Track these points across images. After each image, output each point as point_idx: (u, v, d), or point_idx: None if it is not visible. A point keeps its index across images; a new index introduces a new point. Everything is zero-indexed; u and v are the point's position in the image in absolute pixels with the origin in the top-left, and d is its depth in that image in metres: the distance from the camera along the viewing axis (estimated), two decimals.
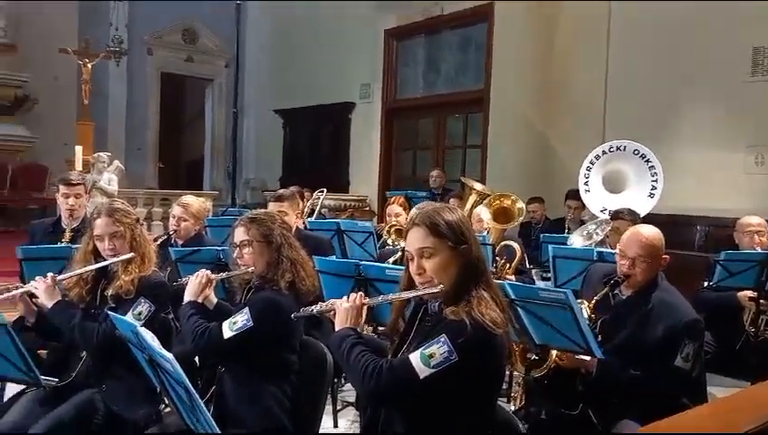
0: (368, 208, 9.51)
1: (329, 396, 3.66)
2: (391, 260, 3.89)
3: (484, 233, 4.39)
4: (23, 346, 2.03)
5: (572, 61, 7.46)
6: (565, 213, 6.11)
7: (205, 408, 1.57)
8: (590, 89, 7.22)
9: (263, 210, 2.70)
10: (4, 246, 4.32)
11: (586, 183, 5.61)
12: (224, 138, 12.65)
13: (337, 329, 1.90)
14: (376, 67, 9.70)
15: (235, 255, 2.43)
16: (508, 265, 4.29)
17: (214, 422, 1.60)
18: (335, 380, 3.76)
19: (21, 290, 2.48)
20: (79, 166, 6.79)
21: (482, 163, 8.19)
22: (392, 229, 4.52)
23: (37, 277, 2.49)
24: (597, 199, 5.58)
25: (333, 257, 3.66)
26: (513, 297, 2.43)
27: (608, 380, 2.45)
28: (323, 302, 2.08)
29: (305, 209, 6.07)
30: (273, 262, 2.38)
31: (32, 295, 2.52)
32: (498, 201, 4.86)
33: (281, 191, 3.93)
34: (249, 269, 2.38)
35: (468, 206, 5.03)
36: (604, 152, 5.65)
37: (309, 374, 2.40)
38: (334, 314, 1.95)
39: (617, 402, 2.46)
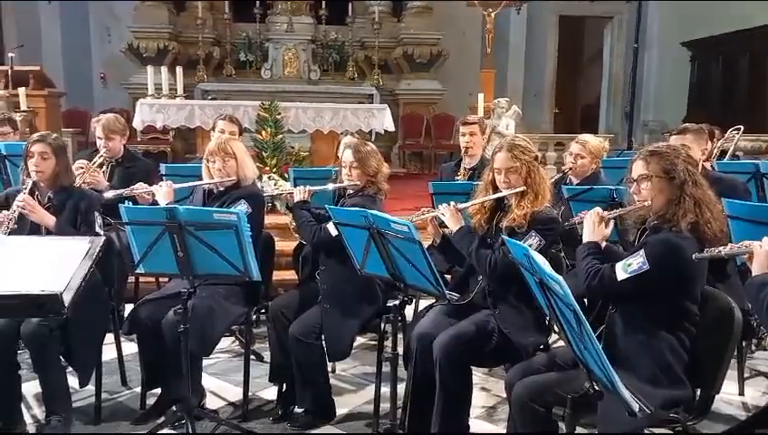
0: None
1: (734, 360, 3.27)
2: None
3: None
4: (432, 263, 2.30)
5: None
6: None
7: (593, 335, 1.52)
8: None
9: (665, 143, 2.45)
10: (421, 186, 5.04)
11: None
12: (622, 78, 12.03)
13: (754, 274, 1.63)
14: None
15: (631, 190, 2.29)
16: None
17: (601, 348, 1.54)
18: (743, 343, 3.32)
19: (432, 214, 2.86)
20: (480, 112, 7.26)
21: None
22: None
23: (443, 204, 2.82)
24: None
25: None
26: None
27: None
28: None
29: (714, 151, 5.34)
30: (674, 199, 2.17)
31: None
32: None
33: (686, 124, 3.52)
34: (645, 203, 2.22)
35: None
36: None
37: (711, 329, 2.15)
38: (749, 257, 1.66)
39: None
